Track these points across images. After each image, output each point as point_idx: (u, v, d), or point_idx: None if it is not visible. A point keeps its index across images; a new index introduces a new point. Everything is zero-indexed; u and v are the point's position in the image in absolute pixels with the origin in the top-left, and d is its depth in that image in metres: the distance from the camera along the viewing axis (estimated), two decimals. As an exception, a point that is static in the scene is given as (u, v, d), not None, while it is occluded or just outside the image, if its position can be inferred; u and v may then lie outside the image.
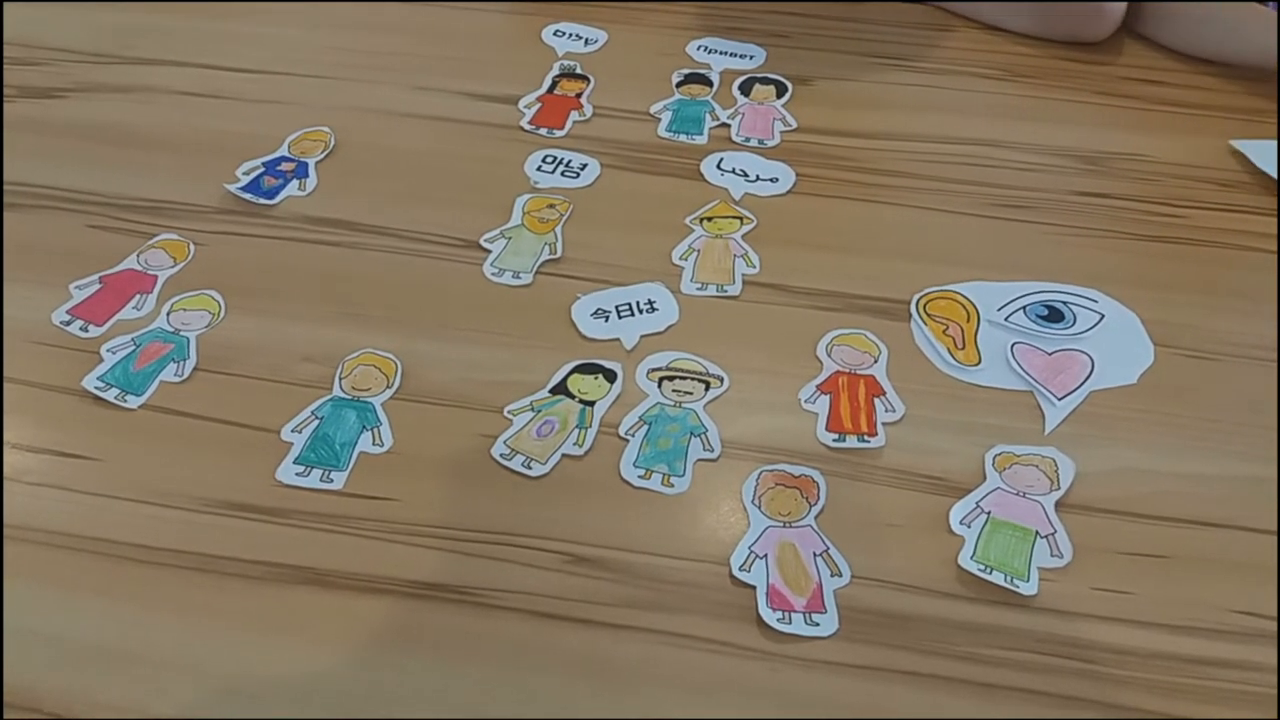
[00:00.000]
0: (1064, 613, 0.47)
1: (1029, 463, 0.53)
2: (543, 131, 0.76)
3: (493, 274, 0.63)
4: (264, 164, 0.72)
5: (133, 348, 0.58)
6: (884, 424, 0.55)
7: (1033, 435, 0.54)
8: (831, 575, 0.48)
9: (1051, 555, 0.48)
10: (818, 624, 0.46)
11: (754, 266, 0.64)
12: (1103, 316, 0.61)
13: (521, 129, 0.76)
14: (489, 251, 0.65)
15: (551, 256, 0.64)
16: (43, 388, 0.56)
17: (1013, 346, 0.59)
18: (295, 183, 0.70)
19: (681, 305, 0.61)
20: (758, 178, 0.72)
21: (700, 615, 0.46)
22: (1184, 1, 0.84)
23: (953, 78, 0.83)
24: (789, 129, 0.77)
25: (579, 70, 0.83)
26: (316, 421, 0.54)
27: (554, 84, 0.81)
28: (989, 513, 0.50)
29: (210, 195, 0.69)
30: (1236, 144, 0.74)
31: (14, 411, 0.55)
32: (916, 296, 0.62)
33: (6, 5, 0.88)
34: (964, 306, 0.62)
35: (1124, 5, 0.84)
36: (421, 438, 0.53)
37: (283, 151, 0.73)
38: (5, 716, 0.42)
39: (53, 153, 0.73)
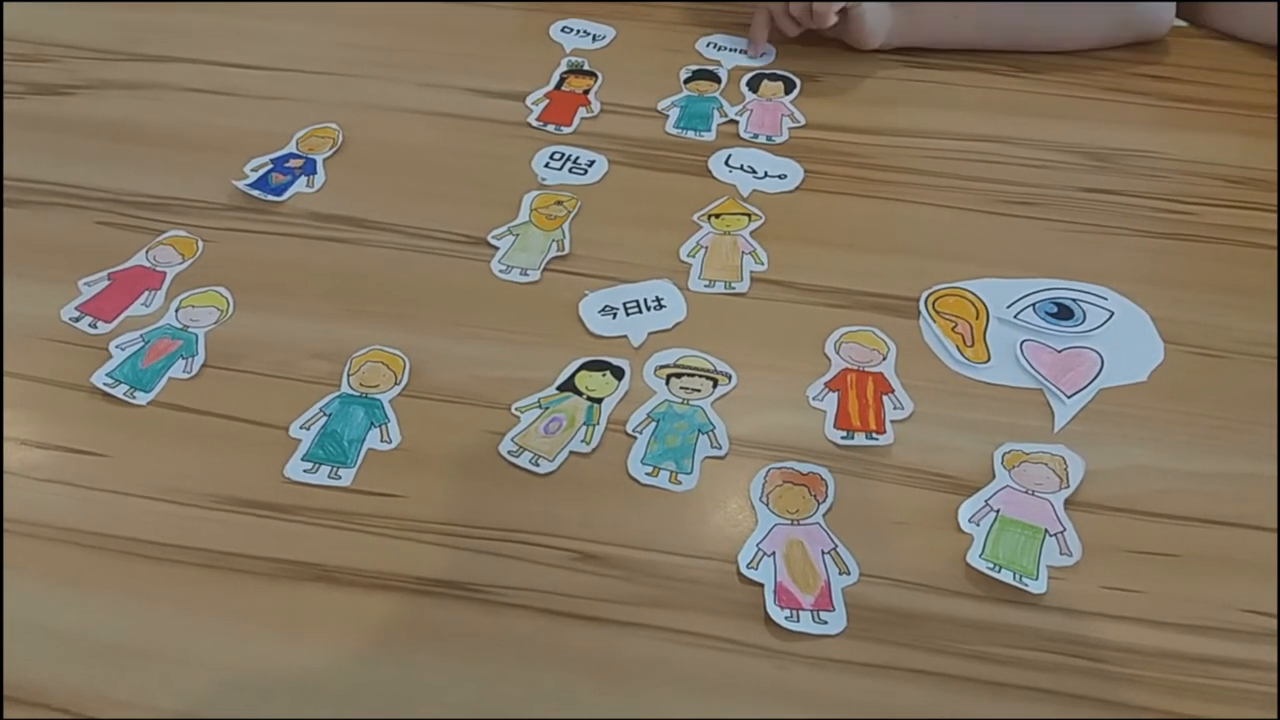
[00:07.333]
0: (1073, 611, 0.46)
1: (1038, 460, 0.52)
2: (550, 128, 0.76)
3: (500, 271, 0.63)
4: (272, 161, 0.72)
5: (141, 344, 0.58)
6: (892, 421, 0.54)
7: (1042, 433, 0.54)
8: (840, 573, 0.47)
9: (1060, 553, 0.48)
10: (826, 622, 0.46)
11: (762, 263, 0.64)
12: (1112, 314, 0.61)
13: (529, 125, 0.76)
14: (497, 248, 0.65)
15: (559, 253, 0.64)
16: (51, 384, 0.56)
17: (1022, 344, 0.59)
18: (303, 179, 0.70)
19: (689, 302, 0.61)
20: (766, 174, 0.72)
21: (708, 613, 0.46)
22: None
23: (961, 74, 0.83)
24: (797, 125, 0.77)
25: (587, 67, 0.83)
26: (325, 418, 0.54)
27: (562, 80, 0.81)
28: (998, 511, 0.50)
29: (218, 192, 0.69)
30: None
31: (23, 407, 0.55)
32: (925, 293, 0.62)
33: (16, 3, 0.88)
34: (973, 304, 0.62)
35: (1174, 5, 0.84)
36: (429, 435, 0.53)
37: (291, 148, 0.73)
38: (14, 715, 0.42)
39: (61, 149, 0.73)
